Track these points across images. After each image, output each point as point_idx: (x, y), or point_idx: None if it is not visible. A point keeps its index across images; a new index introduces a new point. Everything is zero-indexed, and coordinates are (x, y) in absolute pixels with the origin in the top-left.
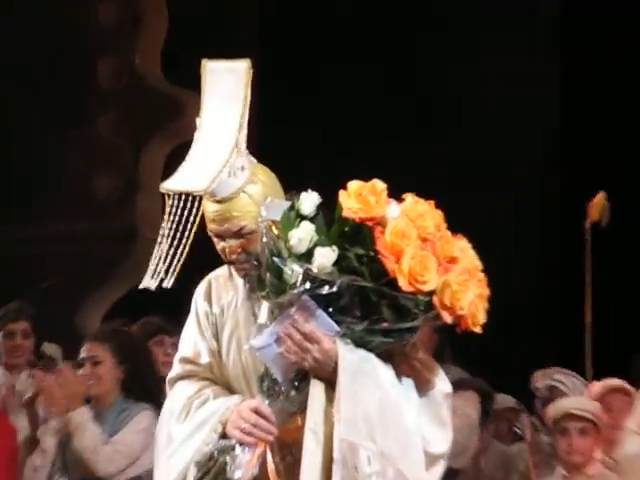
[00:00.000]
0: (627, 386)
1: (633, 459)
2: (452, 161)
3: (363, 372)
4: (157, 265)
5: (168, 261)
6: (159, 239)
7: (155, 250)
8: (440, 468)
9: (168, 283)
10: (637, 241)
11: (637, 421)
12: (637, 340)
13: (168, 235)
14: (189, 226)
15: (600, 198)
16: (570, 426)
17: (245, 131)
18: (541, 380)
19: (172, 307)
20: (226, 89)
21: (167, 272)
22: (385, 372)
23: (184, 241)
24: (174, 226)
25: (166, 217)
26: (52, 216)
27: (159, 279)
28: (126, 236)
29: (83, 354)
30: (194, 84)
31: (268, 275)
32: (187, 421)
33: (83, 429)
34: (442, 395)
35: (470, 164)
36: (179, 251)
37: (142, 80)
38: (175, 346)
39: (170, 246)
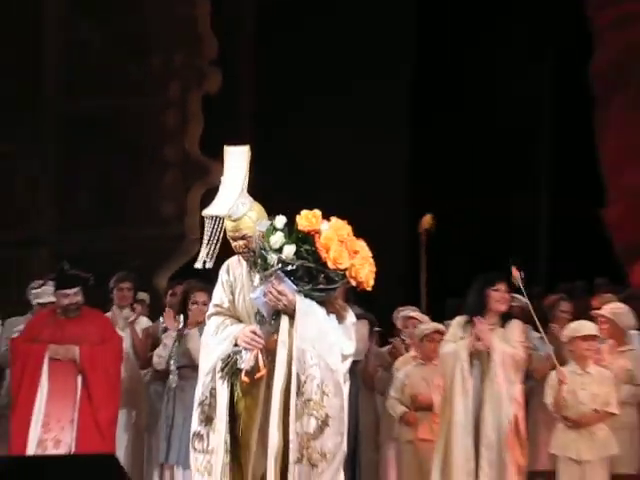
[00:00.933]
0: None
1: (445, 355)
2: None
3: (309, 312)
4: (204, 254)
5: (210, 252)
6: (204, 240)
7: (203, 247)
8: (349, 362)
9: (210, 264)
10: (453, 239)
11: (450, 336)
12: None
13: (209, 238)
14: (219, 234)
15: (428, 216)
16: (436, 336)
17: (247, 182)
18: (400, 314)
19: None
20: (236, 161)
21: (210, 258)
22: (321, 311)
23: (217, 242)
24: (211, 233)
25: (206, 228)
26: (140, 226)
27: (204, 262)
28: (178, 238)
29: (195, 298)
30: (217, 156)
31: (259, 260)
32: (217, 336)
33: (192, 338)
34: (351, 323)
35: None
36: (216, 247)
37: (188, 155)
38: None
39: (209, 245)
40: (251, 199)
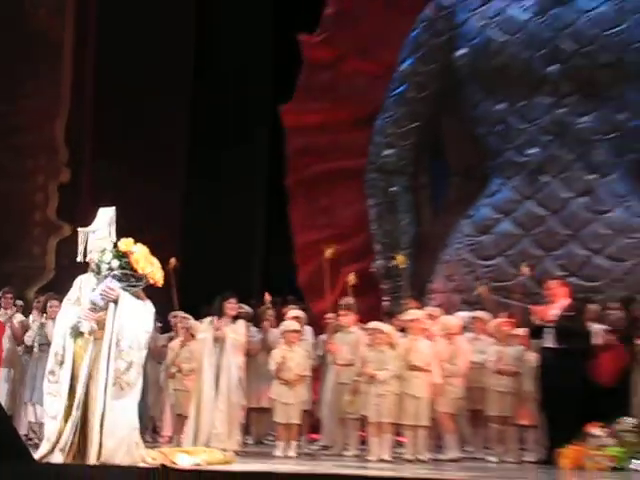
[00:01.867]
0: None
1: (199, 339)
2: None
3: (127, 300)
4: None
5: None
6: (79, 246)
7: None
8: (149, 334)
9: (81, 259)
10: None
11: (203, 328)
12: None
13: (82, 243)
14: (86, 242)
15: (172, 259)
16: (194, 328)
17: (112, 222)
18: (174, 316)
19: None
20: (105, 214)
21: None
22: (134, 300)
23: (86, 244)
24: (84, 241)
25: (80, 238)
26: (19, 260)
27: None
28: (41, 268)
29: (51, 303)
30: (67, 220)
31: (97, 268)
32: (68, 314)
33: (48, 327)
34: (150, 310)
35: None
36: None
37: (49, 219)
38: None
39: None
40: (108, 235)
